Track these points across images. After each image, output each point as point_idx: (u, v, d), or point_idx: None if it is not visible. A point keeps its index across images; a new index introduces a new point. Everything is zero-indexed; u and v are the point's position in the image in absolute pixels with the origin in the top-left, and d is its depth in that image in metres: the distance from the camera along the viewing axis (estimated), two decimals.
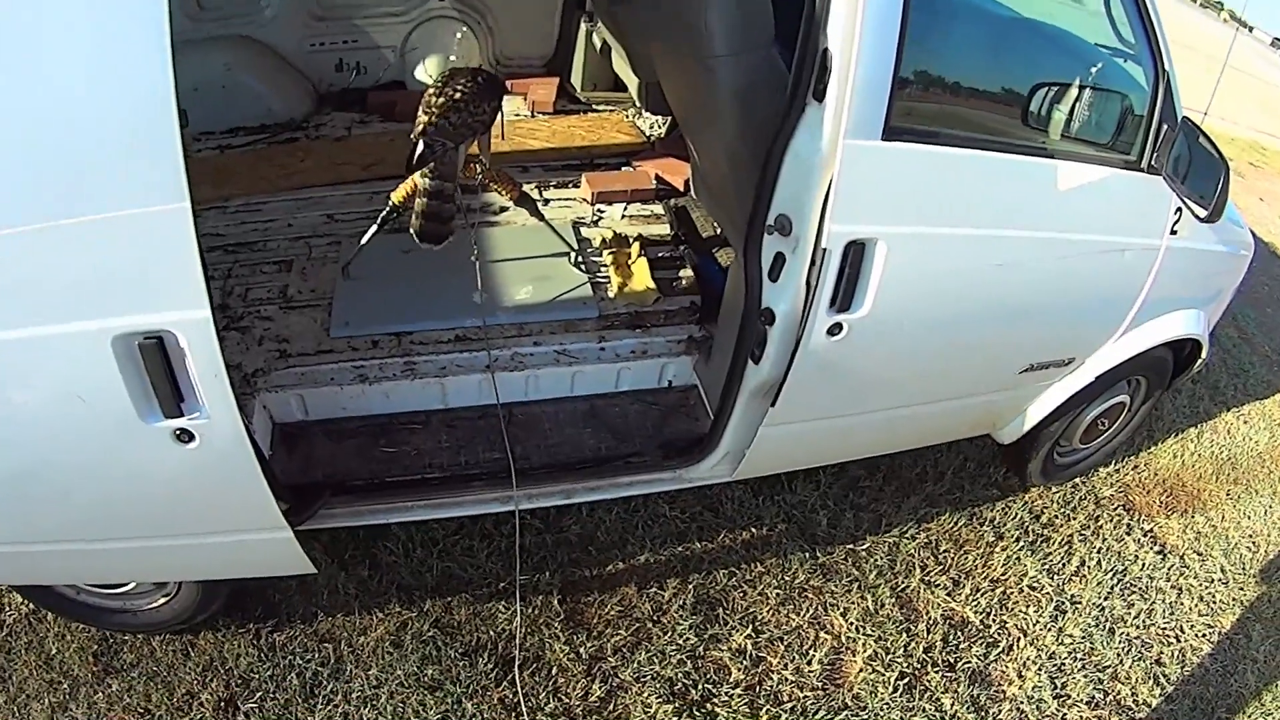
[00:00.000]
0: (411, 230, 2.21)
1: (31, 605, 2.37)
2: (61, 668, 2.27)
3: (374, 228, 2.41)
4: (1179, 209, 2.26)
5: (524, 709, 2.19)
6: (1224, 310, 3.02)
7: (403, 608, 2.41)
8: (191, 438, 1.56)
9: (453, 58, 3.17)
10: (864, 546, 2.75)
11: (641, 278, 2.59)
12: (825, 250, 1.78)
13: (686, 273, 2.70)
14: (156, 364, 1.45)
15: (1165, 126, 2.12)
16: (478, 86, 2.22)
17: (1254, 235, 2.99)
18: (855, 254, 1.81)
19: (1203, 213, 2.10)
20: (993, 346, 2.32)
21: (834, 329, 1.92)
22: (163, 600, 2.24)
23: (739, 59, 1.96)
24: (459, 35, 3.35)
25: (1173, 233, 2.31)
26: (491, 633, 2.37)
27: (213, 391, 1.51)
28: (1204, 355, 2.78)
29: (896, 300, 1.94)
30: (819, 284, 1.83)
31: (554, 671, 2.31)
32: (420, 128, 2.15)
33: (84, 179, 1.31)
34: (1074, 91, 1.97)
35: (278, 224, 2.76)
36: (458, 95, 2.18)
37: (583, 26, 3.32)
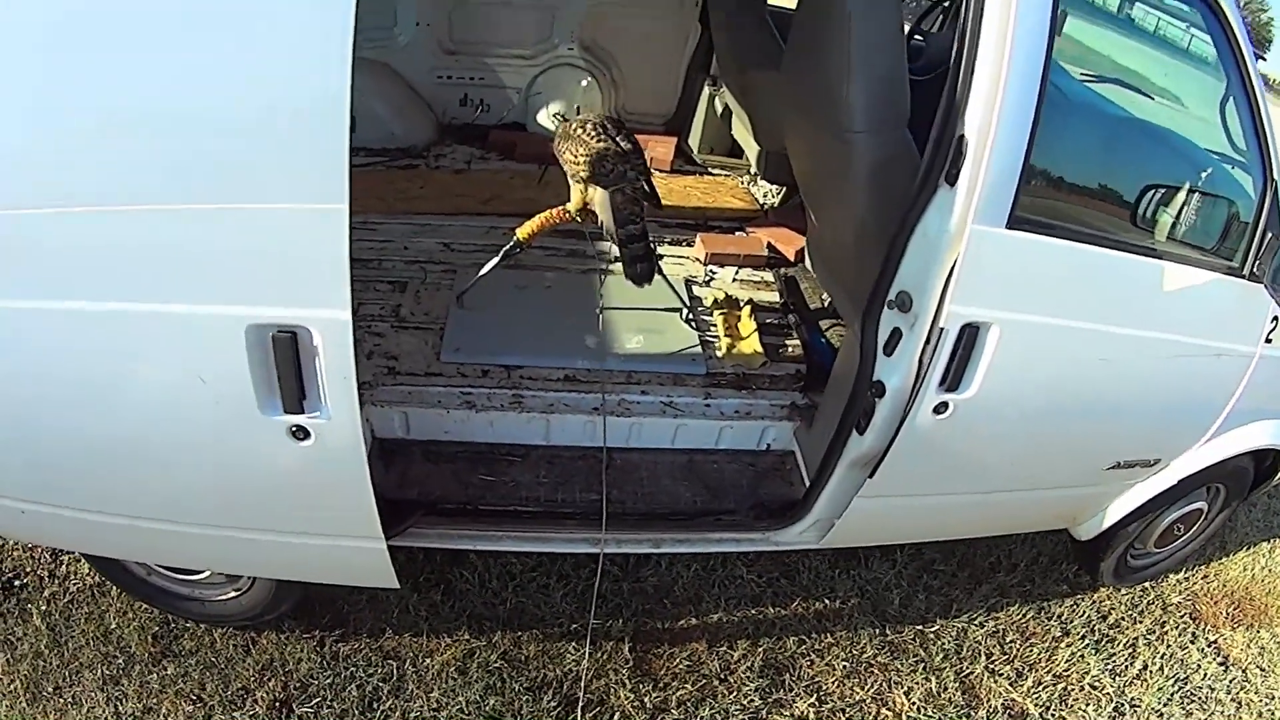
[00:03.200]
0: (626, 276, 2.35)
1: (98, 578, 2.40)
2: (119, 643, 2.29)
3: (495, 259, 2.45)
4: (1276, 318, 2.28)
5: None
6: None
7: (472, 636, 2.43)
8: (307, 435, 1.58)
9: (577, 106, 3.25)
10: (933, 629, 2.74)
11: (750, 341, 2.62)
12: (943, 330, 1.81)
13: (793, 340, 2.73)
14: (287, 358, 1.46)
15: (1270, 235, 2.14)
16: (617, 133, 2.33)
17: None
18: (969, 336, 1.85)
19: None
20: (1085, 440, 2.33)
21: (940, 407, 1.95)
22: (233, 594, 2.27)
23: (877, 135, 2.00)
24: (584, 84, 3.43)
25: (1267, 341, 2.32)
26: (559, 671, 2.38)
27: (338, 393, 1.52)
28: None
29: (1002, 385, 1.96)
30: (932, 362, 1.86)
31: (616, 717, 2.31)
32: (589, 178, 2.27)
33: (254, 166, 1.34)
34: (1182, 195, 1.99)
35: (394, 245, 2.82)
36: (626, 145, 2.31)
37: (705, 90, 3.39)
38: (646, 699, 2.36)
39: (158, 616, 2.36)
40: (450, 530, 2.16)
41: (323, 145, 1.33)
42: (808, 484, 2.28)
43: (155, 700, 2.20)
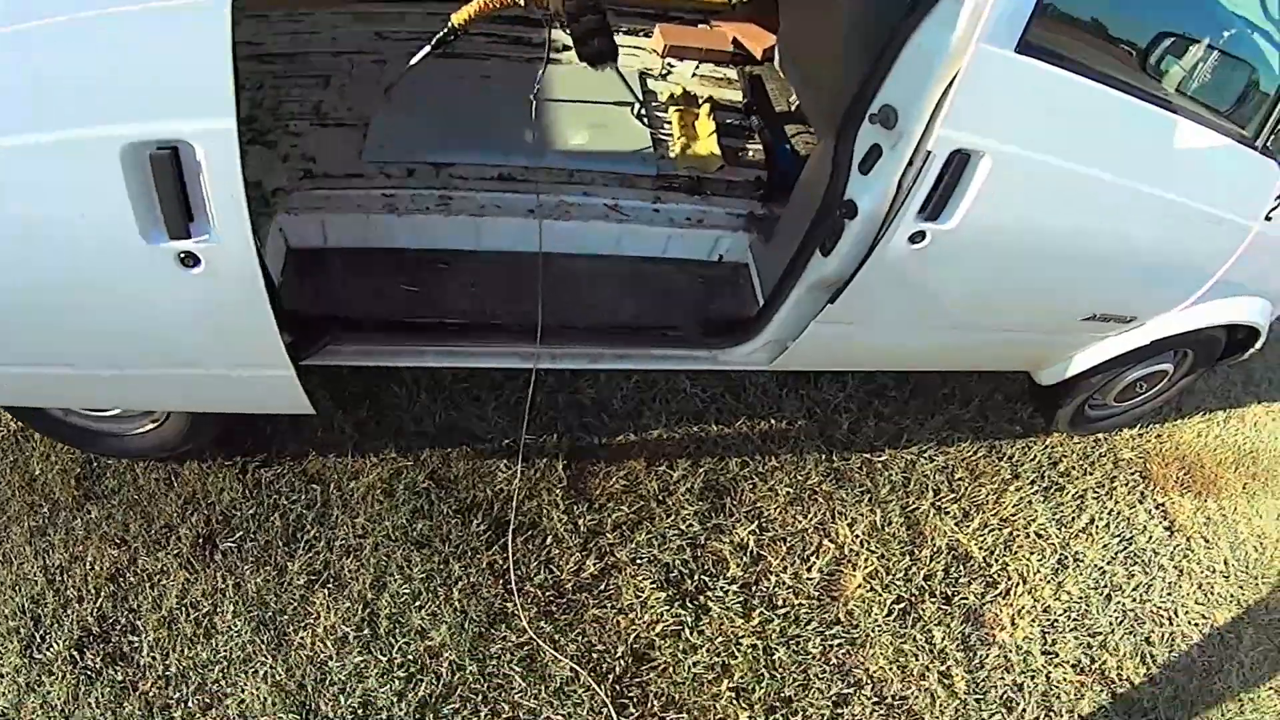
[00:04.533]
0: (579, 56, 2.09)
1: (19, 424, 2.30)
2: (44, 490, 2.21)
3: (426, 48, 2.21)
4: (1279, 196, 2.17)
5: (512, 577, 2.13)
6: None
7: (399, 455, 2.34)
8: (197, 262, 1.45)
9: None
10: (881, 458, 2.70)
11: (707, 141, 2.45)
12: (930, 153, 1.68)
13: (755, 145, 2.56)
14: (167, 177, 1.33)
15: None
16: None
17: None
18: (958, 163, 1.71)
19: None
20: (1065, 288, 2.24)
21: (916, 236, 1.83)
22: (151, 426, 2.17)
23: None
24: None
25: (1267, 219, 2.22)
26: (489, 492, 2.30)
27: (226, 213, 1.39)
28: (1257, 346, 2.72)
29: (987, 220, 1.84)
30: (914, 187, 1.73)
31: (548, 541, 2.25)
32: None
33: None
34: (1198, 50, 1.85)
35: (321, 36, 2.57)
36: None
37: None
38: (580, 522, 2.29)
39: (80, 458, 2.27)
40: (370, 347, 2.03)
41: None
42: (762, 302, 2.16)
43: (80, 548, 2.14)
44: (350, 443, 2.34)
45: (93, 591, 2.05)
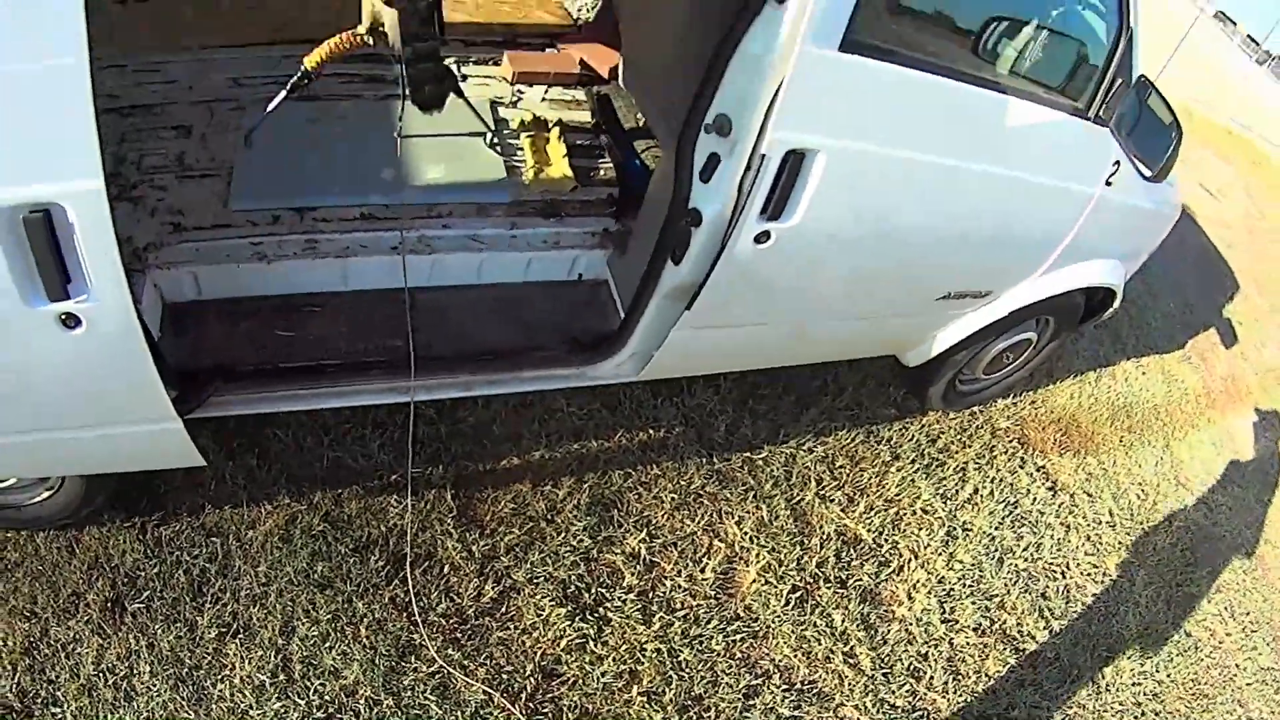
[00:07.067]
0: (413, 101, 2.13)
1: None
2: None
3: (283, 93, 2.23)
4: (1117, 162, 2.29)
5: (415, 609, 2.14)
6: (1140, 265, 3.08)
7: (292, 500, 2.32)
8: (78, 323, 1.44)
9: None
10: (761, 455, 2.75)
11: (559, 164, 2.49)
12: (764, 156, 1.74)
13: (606, 163, 2.61)
14: (42, 240, 1.32)
15: (1119, 81, 2.13)
16: None
17: None
18: (794, 163, 1.77)
19: (1149, 172, 2.13)
20: (915, 271, 2.31)
21: (761, 236, 1.89)
22: (46, 495, 2.11)
23: None
24: None
25: (1108, 184, 2.33)
26: (383, 528, 2.30)
27: (103, 272, 1.39)
28: (1115, 305, 2.84)
29: (829, 214, 1.91)
30: (753, 189, 1.79)
31: (446, 570, 2.26)
32: None
33: None
34: (1029, 30, 1.95)
35: (178, 86, 2.54)
36: None
37: None
38: (474, 548, 2.31)
39: None
40: (253, 394, 2.03)
41: None
42: (623, 316, 2.20)
43: None
44: (243, 492, 2.32)
45: (9, 667, 1.98)
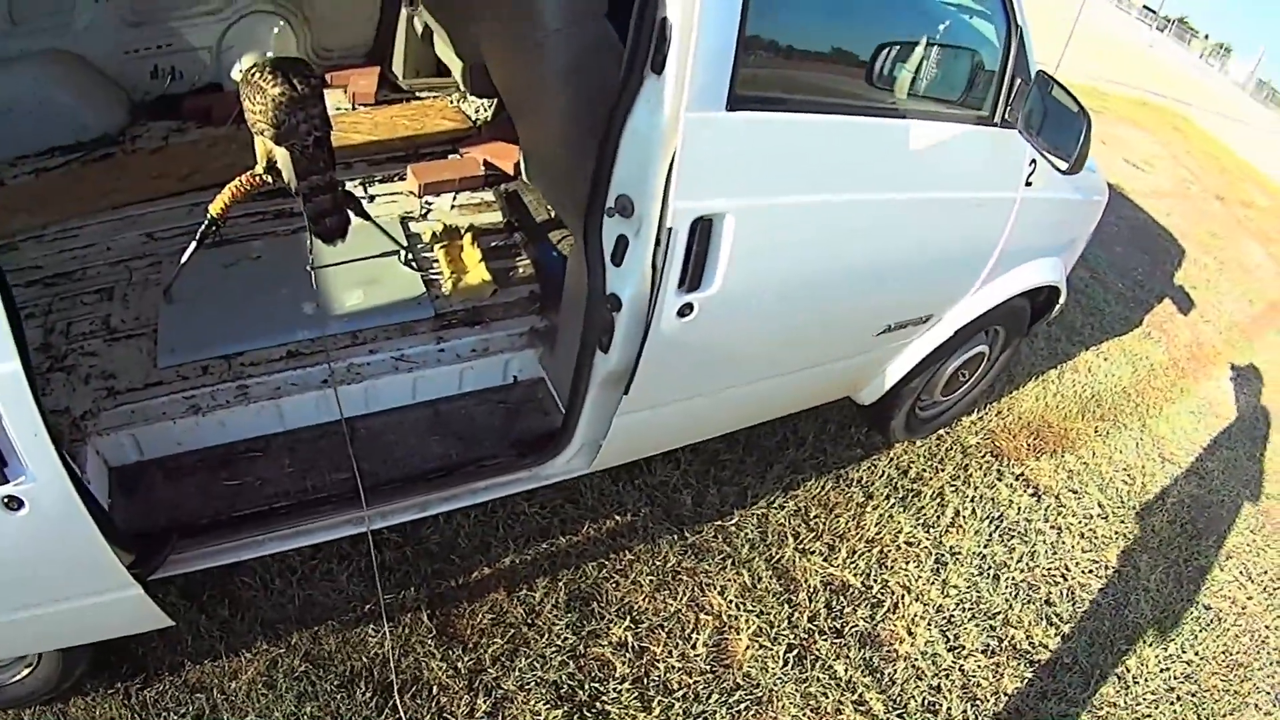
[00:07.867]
0: (314, 234, 2.15)
1: None
2: None
3: (193, 244, 2.25)
4: (1033, 160, 2.29)
5: None
6: (1079, 255, 3.09)
7: (270, 644, 2.27)
8: (21, 505, 1.42)
9: (269, 54, 3.03)
10: (732, 521, 2.71)
11: (476, 270, 2.49)
12: (670, 229, 1.72)
13: (524, 260, 2.61)
14: None
15: (1019, 80, 2.14)
16: (295, 76, 2.10)
17: None
18: (703, 230, 1.76)
19: (1064, 165, 2.13)
20: (850, 312, 2.31)
21: (684, 310, 1.86)
22: (25, 672, 2.06)
23: (569, 33, 1.88)
24: (276, 30, 3.17)
25: (1028, 184, 2.34)
26: (365, 658, 2.25)
27: (35, 452, 1.37)
28: (1061, 301, 2.85)
29: (748, 275, 1.89)
30: (666, 265, 1.76)
31: (435, 691, 2.21)
32: (269, 133, 2.03)
33: None
34: (919, 50, 1.95)
35: (96, 249, 2.54)
36: (303, 88, 2.07)
37: (403, 11, 3.19)
38: (459, 664, 2.26)
39: None
40: (211, 548, 1.99)
41: None
42: (563, 412, 2.18)
43: None
44: (221, 644, 2.26)
45: None
